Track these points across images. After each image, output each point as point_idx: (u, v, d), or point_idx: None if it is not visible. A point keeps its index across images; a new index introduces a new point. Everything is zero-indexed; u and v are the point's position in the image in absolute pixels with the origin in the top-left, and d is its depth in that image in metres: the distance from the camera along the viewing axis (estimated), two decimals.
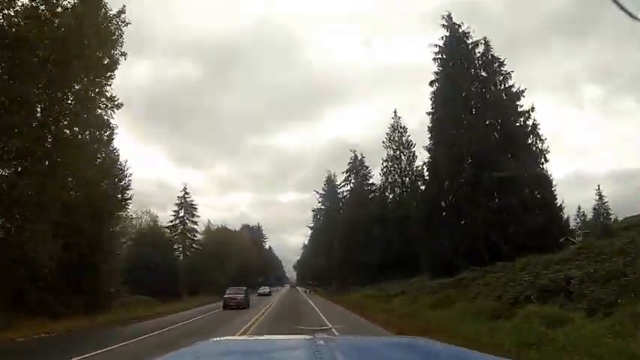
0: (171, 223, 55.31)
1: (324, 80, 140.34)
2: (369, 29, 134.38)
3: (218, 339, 2.30)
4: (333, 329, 7.68)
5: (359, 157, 53.01)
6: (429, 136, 31.23)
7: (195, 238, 56.87)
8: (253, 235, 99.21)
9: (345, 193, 55.95)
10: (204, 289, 46.83)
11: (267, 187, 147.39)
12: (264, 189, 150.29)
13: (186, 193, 56.82)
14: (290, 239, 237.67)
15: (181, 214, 56.39)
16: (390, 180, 45.87)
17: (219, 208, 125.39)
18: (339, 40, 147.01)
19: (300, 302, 36.76)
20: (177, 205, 56.42)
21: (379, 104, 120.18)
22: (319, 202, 63.31)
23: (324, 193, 61.37)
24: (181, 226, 56.02)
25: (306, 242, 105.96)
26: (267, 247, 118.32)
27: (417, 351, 1.76)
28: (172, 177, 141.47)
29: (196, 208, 56.96)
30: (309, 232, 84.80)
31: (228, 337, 2.92)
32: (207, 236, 59.82)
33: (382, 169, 45.72)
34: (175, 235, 55.32)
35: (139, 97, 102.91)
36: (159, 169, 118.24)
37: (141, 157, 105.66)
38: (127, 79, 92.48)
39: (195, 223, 56.86)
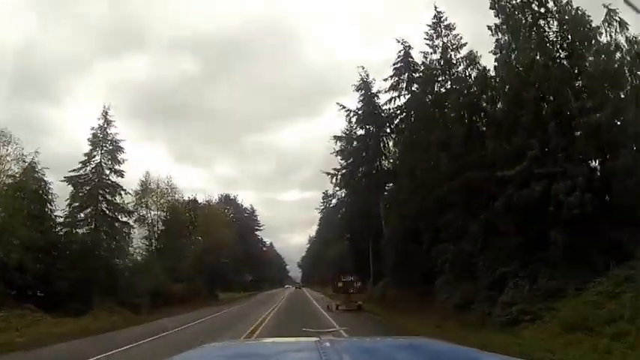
0: (74, 173, 29.76)
1: (325, 77, 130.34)
2: (370, 25, 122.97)
3: (224, 342, 2.26)
4: (341, 330, 7.45)
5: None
6: None
7: (116, 202, 30.98)
8: (244, 218, 74.11)
9: (391, 110, 30.02)
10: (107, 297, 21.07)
11: (269, 187, 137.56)
12: (265, 188, 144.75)
13: (108, 121, 31.08)
14: (293, 239, 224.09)
15: (97, 158, 30.75)
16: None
17: None
18: (340, 37, 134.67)
19: None
20: (90, 142, 30.78)
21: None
22: (344, 134, 36.07)
23: (356, 111, 33.35)
24: (96, 179, 30.35)
25: (314, 234, 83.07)
26: (268, 242, 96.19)
27: (423, 351, 1.73)
28: (172, 176, 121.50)
29: (122, 149, 31.13)
30: (321, 210, 60.06)
31: (234, 341, 2.89)
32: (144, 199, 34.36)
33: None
34: (81, 193, 29.72)
35: (138, 93, 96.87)
36: (158, 168, 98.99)
37: (140, 154, 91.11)
38: (127, 75, 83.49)
39: (121, 174, 31.06)
